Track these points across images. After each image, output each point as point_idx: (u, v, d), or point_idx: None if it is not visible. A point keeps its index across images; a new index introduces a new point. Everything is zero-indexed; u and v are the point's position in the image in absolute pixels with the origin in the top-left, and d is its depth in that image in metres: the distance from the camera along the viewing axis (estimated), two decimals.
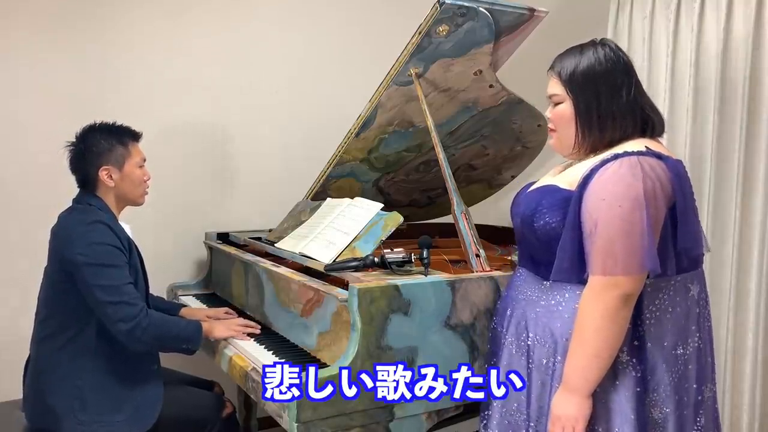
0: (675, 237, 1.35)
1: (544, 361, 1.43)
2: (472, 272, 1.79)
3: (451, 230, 2.01)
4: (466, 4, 1.91)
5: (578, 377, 1.33)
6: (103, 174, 1.90)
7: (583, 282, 1.36)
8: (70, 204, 1.93)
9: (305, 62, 2.93)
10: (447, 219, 2.13)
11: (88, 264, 1.76)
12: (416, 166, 2.57)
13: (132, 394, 1.84)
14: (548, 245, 1.41)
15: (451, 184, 1.94)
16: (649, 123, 1.43)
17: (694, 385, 1.44)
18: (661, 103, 2.70)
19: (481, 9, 1.94)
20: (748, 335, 2.58)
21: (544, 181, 1.54)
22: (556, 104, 1.47)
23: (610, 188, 1.30)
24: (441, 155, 1.98)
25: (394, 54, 2.07)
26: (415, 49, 2.00)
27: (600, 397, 1.37)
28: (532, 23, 2.10)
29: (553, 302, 1.43)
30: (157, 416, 1.84)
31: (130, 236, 1.94)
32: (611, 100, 1.40)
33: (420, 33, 1.97)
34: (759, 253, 2.55)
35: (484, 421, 1.59)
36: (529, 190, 1.54)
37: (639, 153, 1.33)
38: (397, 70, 2.07)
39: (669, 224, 1.34)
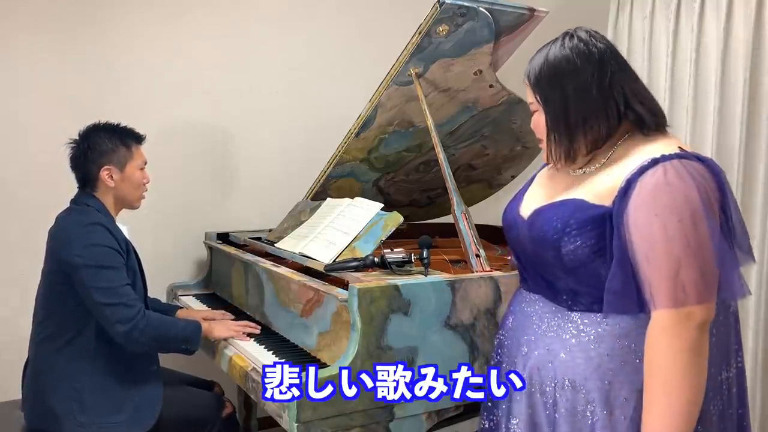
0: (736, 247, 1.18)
1: (579, 408, 1.20)
2: (472, 272, 1.79)
3: (451, 230, 2.01)
4: (466, 4, 1.91)
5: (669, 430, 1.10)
6: (104, 174, 1.90)
7: (626, 312, 1.17)
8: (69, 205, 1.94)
9: (305, 63, 2.93)
10: (447, 219, 2.13)
11: (85, 266, 1.76)
12: (416, 166, 2.57)
13: (131, 395, 1.84)
14: (575, 272, 1.21)
15: (451, 184, 1.94)
16: (638, 118, 1.22)
17: (739, 411, 1.28)
18: (661, 103, 2.69)
19: (481, 9, 1.94)
20: (748, 335, 2.58)
21: (543, 194, 1.34)
22: (534, 112, 1.30)
23: (663, 200, 1.09)
24: (441, 155, 1.98)
25: (394, 54, 2.07)
26: (415, 49, 2.00)
27: None
28: (532, 23, 2.10)
29: (586, 339, 1.20)
30: (156, 417, 1.84)
31: (128, 237, 1.94)
32: (579, 101, 1.21)
33: (420, 33, 1.97)
34: (759, 253, 2.55)
35: None
36: (539, 205, 1.30)
37: (678, 156, 1.13)
38: (397, 70, 2.07)
39: (728, 235, 1.17)
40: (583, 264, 1.19)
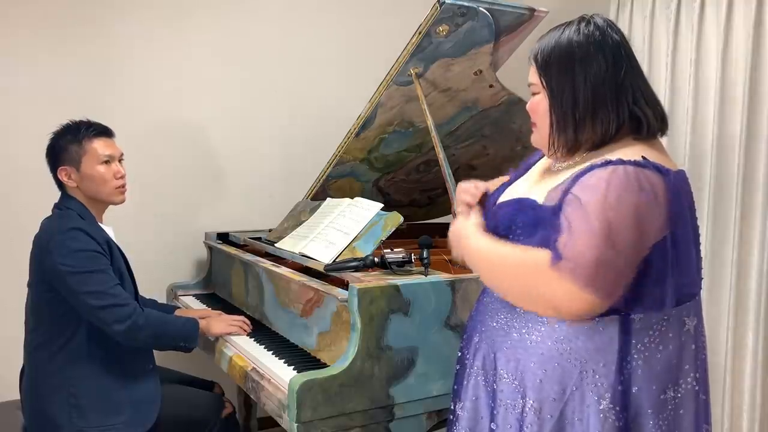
0: (676, 266, 1.14)
1: (512, 401, 1.22)
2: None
3: None
4: (466, 4, 1.91)
5: (475, 255, 1.26)
6: (62, 175, 1.84)
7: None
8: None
9: (305, 62, 2.93)
10: (447, 219, 2.13)
11: (72, 273, 1.73)
12: (416, 166, 2.57)
13: (129, 395, 1.82)
14: None
15: (451, 184, 1.94)
16: (642, 121, 1.18)
17: (705, 428, 1.24)
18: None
19: (481, 9, 1.94)
20: (748, 335, 2.59)
21: (522, 186, 1.32)
22: (534, 94, 1.25)
23: (595, 195, 1.08)
24: (441, 155, 1.99)
25: (394, 54, 2.07)
26: (415, 49, 2.00)
27: None
28: (532, 23, 2.10)
29: (527, 335, 1.21)
30: (156, 414, 1.83)
31: (113, 238, 1.89)
32: (590, 92, 1.16)
33: (420, 33, 1.97)
34: (759, 253, 2.55)
35: None
36: (503, 199, 1.30)
37: (635, 163, 1.10)
38: (397, 70, 2.07)
39: (670, 251, 1.13)
40: None
